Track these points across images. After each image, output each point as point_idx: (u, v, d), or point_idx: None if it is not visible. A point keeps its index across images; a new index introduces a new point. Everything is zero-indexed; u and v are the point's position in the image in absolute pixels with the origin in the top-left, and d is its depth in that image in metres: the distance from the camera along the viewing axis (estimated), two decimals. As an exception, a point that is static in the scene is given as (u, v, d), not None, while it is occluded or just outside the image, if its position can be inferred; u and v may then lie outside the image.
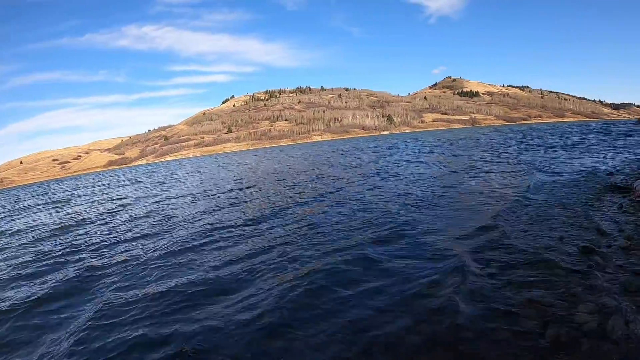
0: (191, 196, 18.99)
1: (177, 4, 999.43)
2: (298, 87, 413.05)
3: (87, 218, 16.77)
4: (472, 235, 8.60)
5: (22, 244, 13.99)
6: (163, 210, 16.36)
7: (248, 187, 19.86)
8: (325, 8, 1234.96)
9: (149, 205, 17.99)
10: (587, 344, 4.40)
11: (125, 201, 20.78)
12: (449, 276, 6.69)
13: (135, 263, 9.63)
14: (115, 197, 23.33)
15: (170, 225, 12.77)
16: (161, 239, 11.26)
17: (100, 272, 9.63)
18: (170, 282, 7.88)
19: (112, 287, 8.19)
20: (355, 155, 39.24)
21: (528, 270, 6.53)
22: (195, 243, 10.55)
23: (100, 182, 49.10)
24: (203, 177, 28.40)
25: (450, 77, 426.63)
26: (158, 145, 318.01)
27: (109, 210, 18.35)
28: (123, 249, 10.97)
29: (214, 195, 18.86)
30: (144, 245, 10.96)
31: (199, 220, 13.36)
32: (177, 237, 11.14)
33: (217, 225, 12.19)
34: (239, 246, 9.81)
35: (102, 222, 15.76)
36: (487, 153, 29.36)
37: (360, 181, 18.81)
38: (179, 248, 10.21)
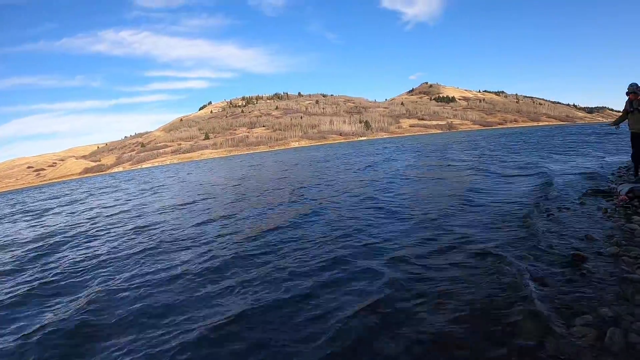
0: (168, 207, 17.56)
1: (156, 9, 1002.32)
2: (275, 94, 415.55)
3: (62, 232, 15.40)
4: (454, 244, 7.71)
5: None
6: (138, 223, 14.90)
7: (226, 197, 18.50)
8: (303, 14, 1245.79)
9: (122, 217, 16.62)
10: (587, 358, 4.04)
11: (100, 212, 19.41)
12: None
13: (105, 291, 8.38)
14: (89, 208, 21.89)
15: (150, 243, 11.46)
16: (137, 260, 9.99)
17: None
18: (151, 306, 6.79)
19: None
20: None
21: (513, 276, 5.79)
22: (172, 262, 9.24)
23: (75, 191, 47.24)
24: (181, 185, 27.10)
25: (427, 82, 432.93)
26: (135, 152, 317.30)
27: (81, 223, 16.96)
28: (96, 273, 9.66)
29: (191, 204, 17.45)
30: (116, 268, 9.63)
31: (176, 233, 12.07)
32: (154, 257, 9.87)
33: (196, 241, 10.89)
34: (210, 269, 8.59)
35: (75, 236, 14.41)
36: (465, 158, 28.73)
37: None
38: (153, 269, 8.94)
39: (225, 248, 9.43)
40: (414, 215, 10.76)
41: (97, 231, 14.32)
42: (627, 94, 10.61)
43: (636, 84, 10.43)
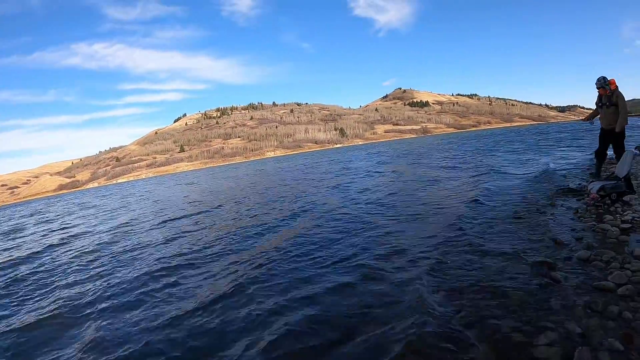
0: (144, 224, 16.35)
1: (128, 21, 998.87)
2: (250, 104, 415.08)
3: (32, 253, 14.25)
4: (410, 256, 7.02)
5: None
6: (114, 241, 13.84)
7: (201, 212, 17.25)
8: (277, 24, 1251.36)
9: (96, 237, 15.32)
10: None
11: (74, 231, 18.14)
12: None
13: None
14: (62, 227, 20.56)
15: (123, 261, 10.51)
16: (110, 278, 9.10)
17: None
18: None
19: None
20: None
21: (478, 296, 5.11)
22: (148, 286, 8.30)
23: (49, 209, 45.52)
24: (157, 201, 25.98)
25: (400, 88, 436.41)
26: (110, 167, 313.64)
27: (55, 244, 15.64)
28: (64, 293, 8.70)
29: (168, 221, 16.03)
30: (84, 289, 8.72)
31: (154, 254, 11.01)
32: (129, 277, 8.97)
33: (177, 261, 9.78)
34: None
35: (46, 257, 13.31)
36: (446, 159, 28.31)
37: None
38: (130, 290, 8.07)
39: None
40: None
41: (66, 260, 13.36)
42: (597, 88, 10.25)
43: (603, 78, 10.05)
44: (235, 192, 21.94)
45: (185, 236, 12.00)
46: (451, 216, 9.30)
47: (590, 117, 11.14)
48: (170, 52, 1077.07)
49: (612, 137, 10.10)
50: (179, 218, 16.09)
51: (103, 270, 9.39)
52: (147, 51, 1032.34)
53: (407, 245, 7.52)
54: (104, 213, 24.86)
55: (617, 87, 9.97)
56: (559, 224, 7.29)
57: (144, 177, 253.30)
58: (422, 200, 11.92)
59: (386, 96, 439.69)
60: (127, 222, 17.60)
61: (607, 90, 10.03)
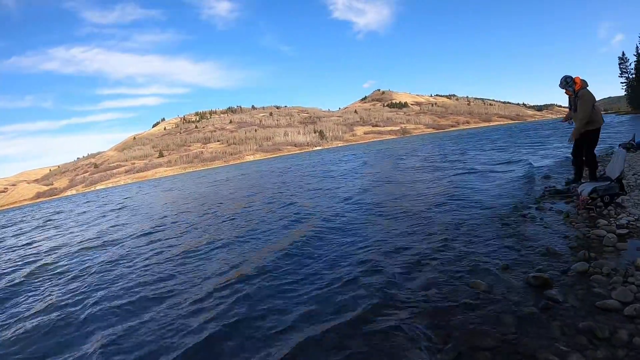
0: (118, 237, 14.97)
1: (107, 25, 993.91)
2: (229, 107, 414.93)
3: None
4: (387, 275, 6.27)
5: None
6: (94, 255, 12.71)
7: (180, 222, 16.02)
8: (256, 27, 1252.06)
9: (73, 251, 14.02)
10: None
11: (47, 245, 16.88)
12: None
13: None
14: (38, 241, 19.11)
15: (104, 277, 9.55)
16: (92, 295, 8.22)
17: None
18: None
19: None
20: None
21: (467, 321, 4.36)
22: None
23: (26, 218, 43.86)
24: (134, 210, 24.78)
25: (379, 90, 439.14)
26: (88, 173, 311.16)
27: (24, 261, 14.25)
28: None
29: (148, 234, 14.60)
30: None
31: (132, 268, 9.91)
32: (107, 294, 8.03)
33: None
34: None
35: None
36: (428, 160, 27.81)
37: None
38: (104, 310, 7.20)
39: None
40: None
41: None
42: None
43: (565, 79, 9.27)
44: (217, 201, 20.77)
45: (171, 249, 11.14)
46: (433, 225, 8.54)
47: (568, 118, 10.07)
48: (149, 56, 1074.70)
49: (584, 142, 9.38)
50: (160, 230, 14.78)
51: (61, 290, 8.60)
52: (125, 55, 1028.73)
53: (384, 264, 6.73)
54: (79, 228, 23.90)
55: (582, 85, 9.07)
56: (549, 230, 6.67)
57: (122, 183, 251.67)
58: (402, 208, 10.95)
59: (365, 98, 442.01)
60: (101, 236, 16.62)
61: (570, 92, 9.27)
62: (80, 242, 15.10)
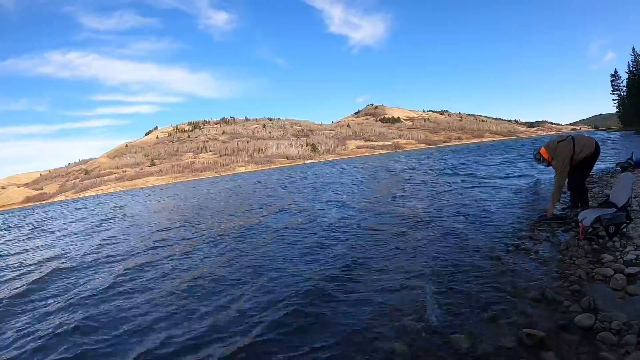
0: (101, 253, 13.31)
1: (105, 31, 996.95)
2: (222, 118, 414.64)
3: None
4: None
5: None
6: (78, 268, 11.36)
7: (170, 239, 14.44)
8: (252, 39, 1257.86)
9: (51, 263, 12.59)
10: None
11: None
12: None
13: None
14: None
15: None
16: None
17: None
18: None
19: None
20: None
21: None
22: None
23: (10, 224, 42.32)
24: (124, 221, 23.38)
25: (372, 104, 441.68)
26: (78, 179, 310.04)
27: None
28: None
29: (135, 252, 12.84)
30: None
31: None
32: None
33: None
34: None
35: None
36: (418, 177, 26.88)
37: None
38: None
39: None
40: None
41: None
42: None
43: (535, 157, 8.95)
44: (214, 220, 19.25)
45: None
46: (418, 257, 7.43)
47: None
48: (145, 64, 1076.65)
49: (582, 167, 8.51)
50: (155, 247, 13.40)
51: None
52: (121, 62, 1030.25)
53: (347, 306, 5.66)
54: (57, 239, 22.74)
55: (550, 155, 8.51)
56: (545, 267, 5.62)
57: (112, 190, 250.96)
58: (389, 242, 9.56)
59: (358, 112, 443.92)
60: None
61: (547, 164, 8.70)
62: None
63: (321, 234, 10.71)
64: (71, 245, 15.62)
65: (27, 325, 6.50)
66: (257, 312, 5.64)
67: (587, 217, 6.62)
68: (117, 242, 14.26)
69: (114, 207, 41.49)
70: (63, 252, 14.03)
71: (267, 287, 6.75)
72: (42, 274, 10.33)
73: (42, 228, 26.78)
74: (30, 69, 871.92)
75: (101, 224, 22.72)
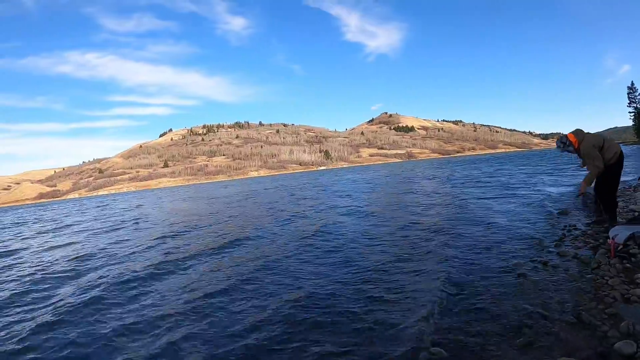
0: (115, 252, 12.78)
1: (123, 33, 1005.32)
2: (237, 122, 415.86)
3: None
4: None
5: None
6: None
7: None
8: (268, 45, 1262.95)
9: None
10: None
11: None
12: None
13: None
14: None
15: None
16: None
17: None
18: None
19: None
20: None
21: None
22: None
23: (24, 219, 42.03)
24: (139, 221, 22.77)
25: (386, 112, 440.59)
26: (92, 178, 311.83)
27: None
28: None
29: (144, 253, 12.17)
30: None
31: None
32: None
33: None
34: None
35: None
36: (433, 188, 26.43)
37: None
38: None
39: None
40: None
41: None
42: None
43: (560, 141, 8.44)
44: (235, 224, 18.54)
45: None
46: (439, 271, 7.00)
47: (585, 164, 8.72)
48: (162, 67, 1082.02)
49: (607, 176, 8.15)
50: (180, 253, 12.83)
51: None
52: (138, 64, 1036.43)
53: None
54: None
55: (578, 140, 8.11)
56: (576, 286, 5.21)
57: (125, 190, 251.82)
58: (406, 255, 8.95)
59: (372, 120, 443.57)
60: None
61: (573, 151, 8.30)
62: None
63: (345, 244, 10.30)
64: (116, 242, 15.35)
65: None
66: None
67: (619, 233, 6.26)
68: (152, 240, 13.90)
69: (137, 205, 41.54)
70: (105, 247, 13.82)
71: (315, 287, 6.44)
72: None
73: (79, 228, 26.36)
74: (48, 67, 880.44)
75: (137, 222, 22.35)
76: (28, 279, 9.81)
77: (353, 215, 15.34)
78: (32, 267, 11.55)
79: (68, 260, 11.77)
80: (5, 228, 31.55)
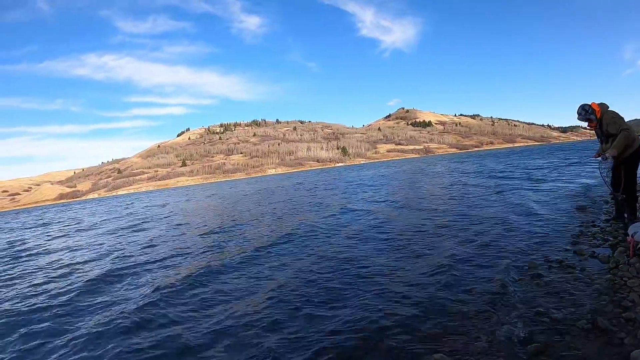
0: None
1: (139, 35, 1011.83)
2: (254, 120, 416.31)
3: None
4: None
5: None
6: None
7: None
8: (283, 43, 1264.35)
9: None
10: None
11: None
12: None
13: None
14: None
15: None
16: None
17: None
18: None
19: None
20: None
21: None
22: None
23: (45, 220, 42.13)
24: (161, 220, 22.46)
25: (403, 108, 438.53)
26: (111, 178, 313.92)
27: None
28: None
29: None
30: None
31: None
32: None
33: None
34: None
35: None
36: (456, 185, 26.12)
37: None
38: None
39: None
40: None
41: None
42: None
43: (582, 109, 7.77)
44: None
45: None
46: (451, 269, 6.77)
47: (601, 154, 7.99)
48: (178, 67, 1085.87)
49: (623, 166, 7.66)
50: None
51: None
52: (155, 65, 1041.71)
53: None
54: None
55: (602, 110, 7.61)
56: (594, 288, 4.93)
57: (144, 189, 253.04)
58: (418, 253, 8.80)
59: (389, 116, 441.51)
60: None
61: (593, 121, 7.73)
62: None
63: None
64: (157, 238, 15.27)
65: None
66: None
67: (639, 230, 5.96)
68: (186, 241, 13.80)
69: (163, 204, 41.32)
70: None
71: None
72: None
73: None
74: (66, 70, 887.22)
75: (179, 219, 22.19)
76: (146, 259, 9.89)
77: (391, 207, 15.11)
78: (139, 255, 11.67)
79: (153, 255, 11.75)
80: (47, 224, 31.75)
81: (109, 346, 5.21)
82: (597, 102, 7.67)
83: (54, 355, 5.27)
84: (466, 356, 3.91)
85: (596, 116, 7.59)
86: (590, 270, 5.66)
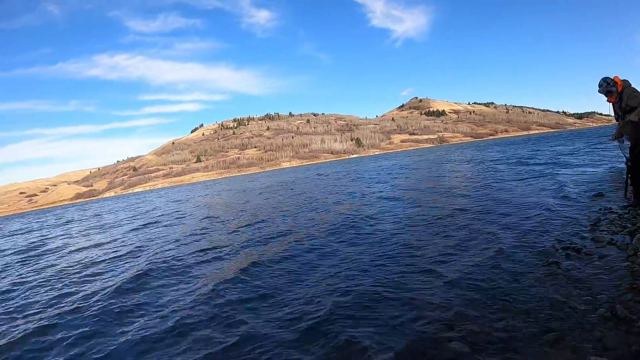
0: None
1: (149, 33, 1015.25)
2: (267, 114, 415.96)
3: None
4: None
5: None
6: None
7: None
8: (294, 36, 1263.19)
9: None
10: None
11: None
12: None
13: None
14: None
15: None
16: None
17: None
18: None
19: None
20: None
21: None
22: None
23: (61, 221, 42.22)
24: (178, 218, 22.34)
25: (416, 97, 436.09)
26: (127, 176, 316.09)
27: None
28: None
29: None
30: None
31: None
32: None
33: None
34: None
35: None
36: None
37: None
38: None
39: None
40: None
41: None
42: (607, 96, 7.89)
43: (604, 82, 7.75)
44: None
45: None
46: (468, 257, 6.79)
47: (619, 135, 8.14)
48: (190, 64, 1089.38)
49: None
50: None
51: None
52: (167, 62, 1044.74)
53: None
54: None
55: (624, 84, 7.55)
56: (613, 277, 4.85)
57: (159, 186, 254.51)
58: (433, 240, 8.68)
59: (402, 106, 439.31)
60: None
61: (613, 94, 7.65)
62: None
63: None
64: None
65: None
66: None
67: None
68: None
69: (187, 200, 41.22)
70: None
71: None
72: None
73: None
74: (79, 71, 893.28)
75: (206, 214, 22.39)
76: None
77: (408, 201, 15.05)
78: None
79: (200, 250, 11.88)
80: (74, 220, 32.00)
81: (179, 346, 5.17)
82: (620, 78, 7.61)
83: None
84: (483, 346, 3.89)
85: (617, 89, 7.54)
86: (608, 258, 5.59)
